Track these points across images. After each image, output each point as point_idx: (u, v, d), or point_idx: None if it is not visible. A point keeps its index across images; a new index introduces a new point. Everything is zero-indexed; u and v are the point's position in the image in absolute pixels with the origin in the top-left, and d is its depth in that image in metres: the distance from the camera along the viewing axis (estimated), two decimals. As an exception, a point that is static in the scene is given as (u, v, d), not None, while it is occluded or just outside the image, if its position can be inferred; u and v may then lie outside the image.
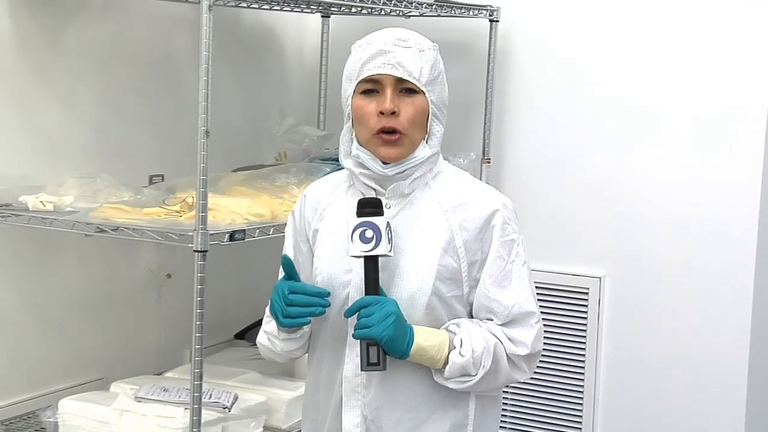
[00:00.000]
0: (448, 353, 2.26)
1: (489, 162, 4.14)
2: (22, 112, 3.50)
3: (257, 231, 3.23)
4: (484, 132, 4.15)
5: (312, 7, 4.08)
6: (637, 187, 4.05)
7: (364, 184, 2.34)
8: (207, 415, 3.13)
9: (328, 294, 2.29)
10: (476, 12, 4.06)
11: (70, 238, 3.59)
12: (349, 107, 2.30)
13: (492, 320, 2.33)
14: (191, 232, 3.00)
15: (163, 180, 3.71)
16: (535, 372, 4.15)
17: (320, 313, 2.26)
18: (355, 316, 2.22)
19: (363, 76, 2.25)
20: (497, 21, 4.10)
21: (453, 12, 4.01)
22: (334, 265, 2.34)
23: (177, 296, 4.04)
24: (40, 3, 3.52)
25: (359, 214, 2.22)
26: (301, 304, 2.25)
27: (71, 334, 3.74)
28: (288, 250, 2.48)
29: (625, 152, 4.05)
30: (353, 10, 4.16)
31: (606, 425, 4.23)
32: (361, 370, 2.25)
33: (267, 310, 2.41)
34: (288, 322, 2.26)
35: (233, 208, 3.28)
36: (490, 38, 4.11)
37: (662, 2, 4.04)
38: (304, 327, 2.38)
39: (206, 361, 3.16)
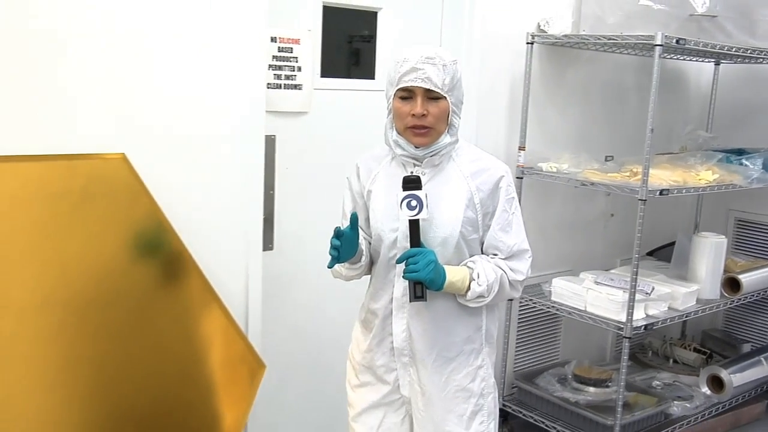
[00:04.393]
0: (469, 283, 2.16)
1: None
2: (539, 117, 3.78)
3: (675, 191, 3.37)
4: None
5: (709, 59, 4.33)
6: None
7: (406, 159, 2.21)
8: (636, 296, 3.31)
9: (338, 242, 2.11)
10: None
11: (564, 188, 3.87)
12: (391, 105, 2.17)
13: (497, 255, 2.22)
14: (638, 188, 3.23)
15: (612, 159, 3.79)
16: None
17: (343, 260, 2.16)
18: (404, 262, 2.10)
19: (401, 86, 2.11)
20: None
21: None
22: (385, 216, 2.22)
23: (614, 227, 4.27)
24: (555, 55, 3.79)
25: (405, 188, 2.10)
26: (336, 249, 2.12)
27: (555, 241, 4.01)
28: (347, 205, 2.35)
29: None
30: (737, 60, 4.15)
31: None
32: (410, 301, 2.15)
33: None
34: (330, 260, 2.15)
35: (661, 176, 3.42)
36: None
37: None
38: (362, 260, 2.26)
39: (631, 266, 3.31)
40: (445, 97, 2.12)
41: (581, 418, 3.55)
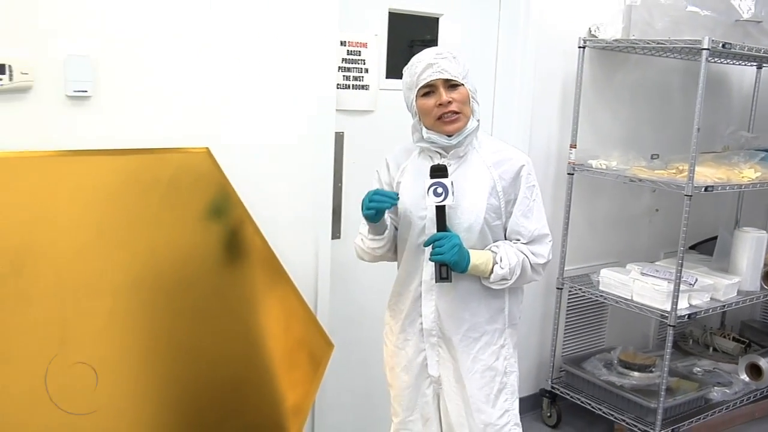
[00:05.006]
0: (492, 266, 2.19)
1: None
2: (589, 117, 3.78)
3: (719, 187, 3.35)
4: None
5: (751, 63, 4.31)
6: None
7: (434, 151, 2.24)
8: (681, 287, 3.31)
9: (396, 196, 2.19)
10: None
11: (612, 184, 3.93)
12: (415, 107, 2.20)
13: (519, 240, 2.24)
14: (684, 184, 3.21)
15: (658, 157, 3.74)
16: None
17: (389, 206, 2.18)
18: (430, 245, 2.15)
19: (421, 84, 2.15)
20: None
21: None
22: (414, 204, 2.25)
23: (659, 222, 4.27)
24: (605, 58, 3.81)
25: (432, 176, 2.12)
26: (377, 201, 2.16)
27: (603, 234, 4.01)
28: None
29: None
30: (778, 64, 4.16)
31: None
32: (435, 282, 2.19)
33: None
34: (368, 212, 2.18)
35: (705, 174, 3.42)
36: None
37: None
38: (385, 232, 2.29)
39: (675, 258, 3.31)
40: (463, 84, 2.17)
41: (626, 400, 3.58)
